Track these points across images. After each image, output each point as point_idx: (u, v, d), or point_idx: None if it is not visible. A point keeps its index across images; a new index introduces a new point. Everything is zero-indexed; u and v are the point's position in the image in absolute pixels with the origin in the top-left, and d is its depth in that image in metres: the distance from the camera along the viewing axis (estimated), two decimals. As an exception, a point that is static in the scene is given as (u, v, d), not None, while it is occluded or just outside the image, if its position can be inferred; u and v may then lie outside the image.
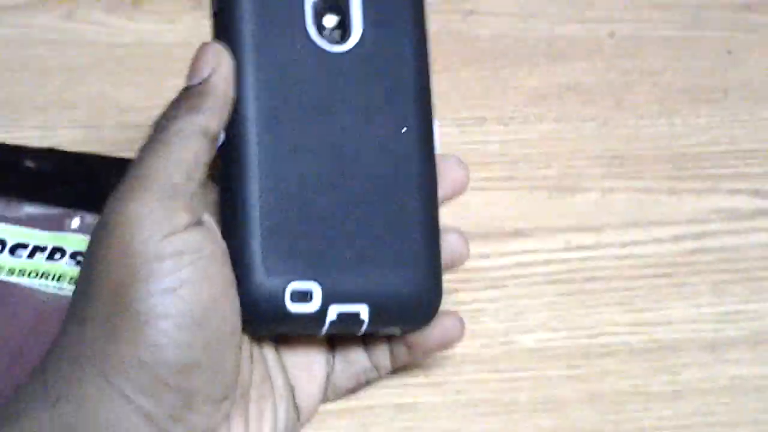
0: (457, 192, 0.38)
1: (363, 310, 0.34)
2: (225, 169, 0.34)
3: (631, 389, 0.41)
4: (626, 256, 0.47)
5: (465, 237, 0.38)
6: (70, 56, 0.55)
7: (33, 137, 0.49)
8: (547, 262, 0.46)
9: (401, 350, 0.37)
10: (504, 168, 0.51)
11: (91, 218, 0.44)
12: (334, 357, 0.37)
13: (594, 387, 0.41)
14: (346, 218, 0.34)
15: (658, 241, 0.48)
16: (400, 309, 0.35)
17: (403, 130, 0.35)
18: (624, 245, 0.47)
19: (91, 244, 0.31)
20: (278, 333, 0.35)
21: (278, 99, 0.34)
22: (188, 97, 0.33)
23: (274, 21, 0.34)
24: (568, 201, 0.49)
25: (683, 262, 0.47)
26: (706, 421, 0.40)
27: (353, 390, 0.38)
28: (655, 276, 0.46)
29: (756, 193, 0.50)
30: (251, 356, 0.34)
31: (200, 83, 0.33)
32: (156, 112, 0.52)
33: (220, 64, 0.33)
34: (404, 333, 0.36)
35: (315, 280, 0.33)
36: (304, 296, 0.33)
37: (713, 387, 0.41)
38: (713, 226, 0.48)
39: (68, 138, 0.49)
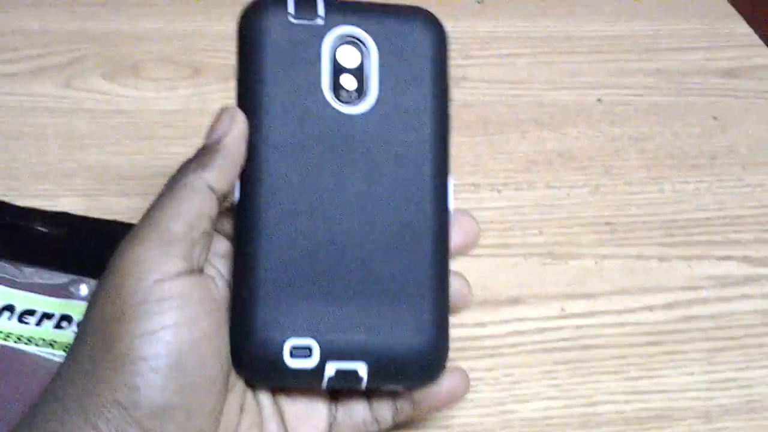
0: (470, 244, 0.38)
1: (361, 368, 0.34)
2: (237, 225, 0.35)
3: (628, 459, 0.42)
4: (620, 324, 0.47)
5: (467, 280, 0.38)
6: (69, 124, 0.56)
7: (35, 206, 0.49)
8: (542, 330, 0.47)
9: (405, 405, 0.38)
10: (498, 235, 0.52)
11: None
12: (336, 407, 0.37)
13: (592, 457, 0.41)
14: (353, 277, 0.35)
15: (650, 308, 0.48)
16: (402, 368, 0.35)
17: (413, 189, 0.36)
18: (618, 313, 0.48)
19: (96, 286, 0.32)
20: (278, 386, 0.36)
21: (291, 160, 0.34)
22: (200, 154, 0.34)
23: (292, 83, 0.35)
24: (562, 268, 0.50)
25: (676, 330, 0.47)
26: (703, 490, 0.41)
27: None
28: (649, 344, 0.47)
29: (746, 259, 0.51)
30: (242, 403, 0.35)
31: (213, 143, 0.34)
32: (157, 180, 0.53)
33: (233, 126, 0.34)
34: (408, 390, 0.37)
35: (313, 337, 0.34)
36: (303, 352, 0.33)
37: (709, 456, 0.42)
38: (704, 293, 0.49)
39: (70, 207, 0.50)
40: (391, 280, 0.35)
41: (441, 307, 0.36)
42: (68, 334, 0.43)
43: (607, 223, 0.53)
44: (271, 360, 0.33)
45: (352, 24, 0.35)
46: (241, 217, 0.35)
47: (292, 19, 0.35)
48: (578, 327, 0.47)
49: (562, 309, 0.48)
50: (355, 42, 0.36)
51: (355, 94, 0.35)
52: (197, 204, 0.33)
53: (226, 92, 0.60)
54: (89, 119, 0.57)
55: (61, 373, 0.31)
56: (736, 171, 0.58)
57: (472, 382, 0.44)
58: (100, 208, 0.50)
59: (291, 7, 0.35)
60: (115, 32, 0.63)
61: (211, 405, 0.32)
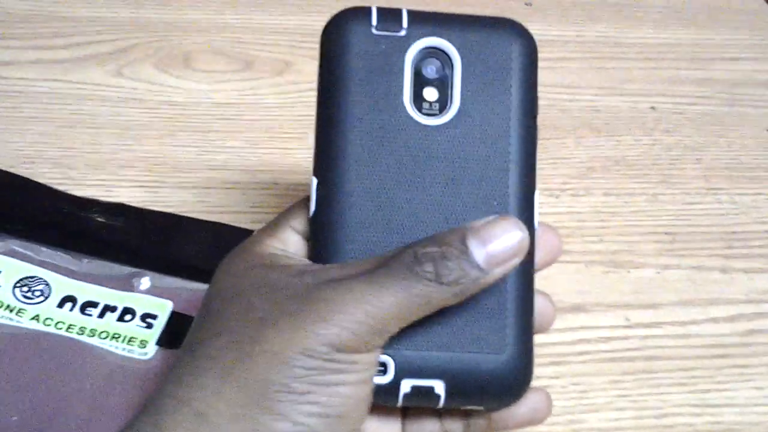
0: (551, 261, 0.37)
1: (438, 386, 0.33)
2: (313, 238, 0.34)
3: (700, 473, 0.41)
4: (685, 335, 0.47)
5: (551, 299, 0.37)
6: (121, 113, 0.55)
7: (92, 196, 0.49)
8: (608, 339, 0.46)
9: (480, 422, 0.37)
10: (558, 241, 0.51)
11: (161, 280, 0.43)
12: (405, 423, 0.37)
13: (664, 470, 0.41)
14: None
15: (714, 320, 0.48)
16: (482, 387, 0.34)
17: (494, 203, 0.35)
18: (682, 324, 0.47)
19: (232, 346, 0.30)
20: None
21: (369, 171, 0.34)
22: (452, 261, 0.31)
23: (374, 95, 0.34)
24: (624, 276, 0.50)
25: (741, 343, 0.47)
26: (775, 507, 0.40)
27: None
28: (715, 356, 0.46)
29: (808, 274, 0.51)
30: None
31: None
32: (213, 174, 0.52)
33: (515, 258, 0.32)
34: (488, 410, 0.36)
35: (388, 353, 0.33)
36: (380, 369, 0.33)
37: (781, 472, 0.41)
38: (766, 307, 0.49)
39: (127, 198, 0.49)
40: (472, 296, 0.34)
41: (525, 325, 0.35)
42: (131, 327, 0.42)
43: (666, 233, 0.53)
44: None
45: (436, 35, 0.34)
46: (318, 229, 0.34)
47: (375, 31, 0.34)
48: (644, 337, 0.47)
49: (627, 319, 0.47)
50: (438, 53, 0.35)
51: (437, 106, 0.34)
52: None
53: (279, 87, 0.60)
54: (142, 109, 0.56)
55: (192, 383, 0.30)
56: (792, 184, 0.57)
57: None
58: (157, 200, 0.50)
59: (374, 19, 0.34)
60: (165, 22, 0.63)
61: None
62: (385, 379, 0.33)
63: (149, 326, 0.42)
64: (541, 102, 0.61)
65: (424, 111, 0.34)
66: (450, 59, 0.35)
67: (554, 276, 0.49)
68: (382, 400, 0.34)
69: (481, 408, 0.35)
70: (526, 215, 0.35)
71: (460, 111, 0.35)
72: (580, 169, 0.56)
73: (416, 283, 0.30)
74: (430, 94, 0.35)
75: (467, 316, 0.34)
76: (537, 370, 0.44)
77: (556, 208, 0.54)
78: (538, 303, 0.36)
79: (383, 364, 0.33)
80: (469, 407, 0.35)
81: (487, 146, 0.35)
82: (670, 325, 0.47)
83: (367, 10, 0.34)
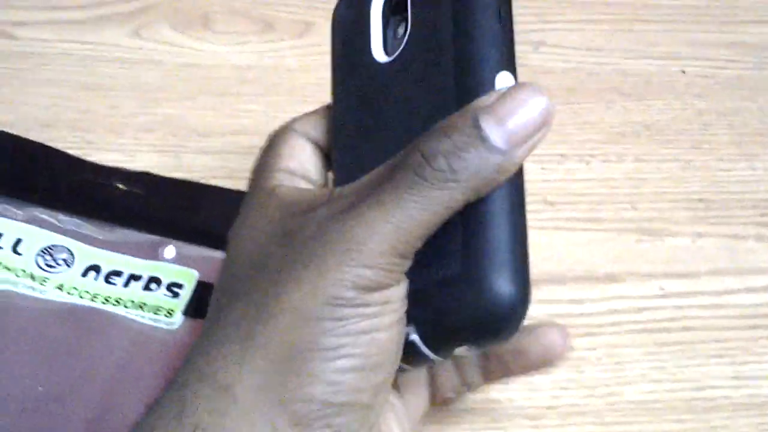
0: (549, 361, 0.36)
1: (410, 332, 0.29)
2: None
3: (740, 446, 0.40)
4: (721, 305, 0.46)
5: (566, 332, 0.35)
6: (140, 76, 0.54)
7: (113, 161, 0.47)
8: (642, 310, 0.45)
9: (496, 367, 0.35)
10: (589, 208, 0.50)
11: (187, 249, 0.42)
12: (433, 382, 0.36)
13: (703, 443, 0.40)
14: None
15: (751, 290, 0.47)
16: (462, 327, 0.29)
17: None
18: (719, 294, 0.46)
19: (281, 263, 0.28)
20: None
21: (347, 114, 0.33)
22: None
23: (351, 42, 0.34)
24: (658, 245, 0.48)
25: (778, 313, 0.46)
26: (816, 481, 0.40)
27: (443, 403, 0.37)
28: (752, 327, 0.45)
29: None
30: None
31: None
32: (235, 138, 0.51)
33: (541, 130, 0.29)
34: (480, 349, 0.31)
35: None
36: None
37: (823, 445, 0.41)
38: (805, 276, 0.48)
39: (148, 163, 0.48)
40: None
41: (511, 244, 0.29)
42: (157, 296, 0.41)
43: (700, 200, 0.51)
44: None
45: None
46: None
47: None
48: (679, 307, 0.46)
49: (662, 288, 0.46)
50: None
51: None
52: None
53: (300, 49, 0.58)
54: (161, 72, 0.54)
55: (215, 353, 0.28)
56: (827, 150, 0.56)
57: (575, 362, 0.42)
58: (180, 165, 0.49)
59: None
60: (182, -19, 0.61)
61: (384, 401, 0.30)
62: None
63: (176, 295, 0.41)
64: (566, 65, 0.60)
65: (389, 52, 0.33)
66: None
67: (585, 244, 0.48)
68: None
69: (475, 349, 0.30)
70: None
71: (410, 35, 0.32)
72: (610, 135, 0.55)
73: (430, 189, 0.27)
74: (397, 34, 0.34)
75: (431, 252, 0.28)
76: (572, 342, 0.43)
77: (587, 174, 0.52)
78: (548, 337, 0.34)
79: None
80: (461, 351, 0.30)
81: (437, 42, 0.31)
82: (705, 294, 0.46)
83: None
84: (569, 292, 0.46)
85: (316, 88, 0.55)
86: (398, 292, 0.28)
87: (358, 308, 0.27)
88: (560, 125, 0.55)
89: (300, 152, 0.33)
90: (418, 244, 0.28)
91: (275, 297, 0.27)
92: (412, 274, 0.29)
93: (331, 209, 0.28)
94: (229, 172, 0.48)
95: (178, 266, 0.42)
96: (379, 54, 0.33)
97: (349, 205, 0.28)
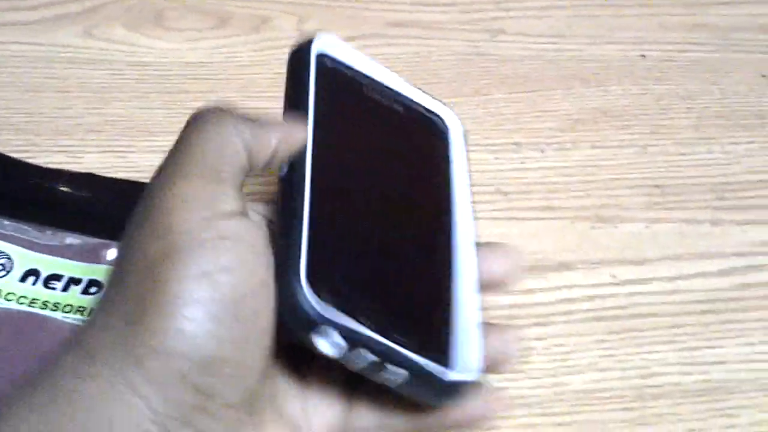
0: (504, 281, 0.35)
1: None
2: (283, 199, 0.31)
3: (688, 433, 0.40)
4: (673, 291, 0.45)
5: (518, 335, 0.34)
6: (91, 76, 0.53)
7: (58, 163, 0.47)
8: (593, 298, 0.45)
9: (420, 417, 0.33)
10: (543, 197, 0.50)
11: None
12: (350, 408, 0.33)
13: (651, 431, 0.40)
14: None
15: (704, 275, 0.46)
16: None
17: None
18: (670, 279, 0.46)
19: (129, 227, 0.28)
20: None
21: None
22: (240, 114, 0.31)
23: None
24: (611, 232, 0.48)
25: (731, 297, 0.45)
26: (766, 466, 0.39)
27: None
28: (704, 312, 0.45)
29: (802, 224, 0.49)
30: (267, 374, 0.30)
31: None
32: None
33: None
34: (427, 403, 0.32)
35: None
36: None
37: (772, 431, 0.40)
38: (761, 259, 0.47)
39: (95, 163, 0.47)
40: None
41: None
42: (96, 300, 0.40)
43: (656, 186, 0.51)
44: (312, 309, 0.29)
45: None
46: (288, 190, 0.31)
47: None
48: (630, 294, 0.45)
49: (613, 275, 0.46)
50: None
51: None
52: (237, 145, 0.30)
53: (254, 44, 0.58)
54: (112, 71, 0.54)
55: (90, 324, 0.27)
56: (787, 131, 0.55)
57: (522, 352, 0.42)
58: (127, 165, 0.48)
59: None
60: (136, -21, 0.61)
61: (260, 362, 0.28)
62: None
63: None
64: (525, 53, 0.59)
65: None
66: None
67: (539, 234, 0.48)
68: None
69: (420, 400, 0.32)
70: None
71: None
72: (567, 122, 0.55)
73: None
74: None
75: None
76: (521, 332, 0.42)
77: (542, 163, 0.52)
78: (502, 339, 0.33)
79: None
80: (410, 392, 0.31)
81: None
82: (658, 281, 0.46)
83: None
84: (521, 283, 0.45)
85: (270, 82, 0.55)
86: (244, 225, 0.28)
87: (202, 245, 0.27)
88: (516, 114, 0.55)
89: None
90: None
91: (128, 250, 0.28)
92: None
93: None
94: (178, 171, 0.48)
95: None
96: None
97: None
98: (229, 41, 0.57)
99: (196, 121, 0.30)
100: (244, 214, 0.29)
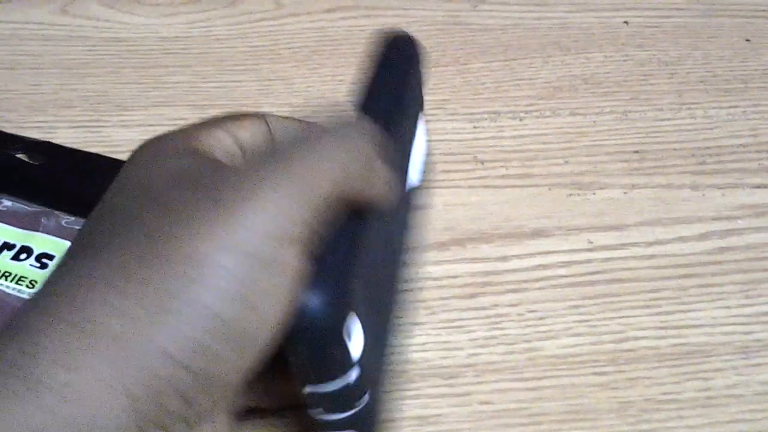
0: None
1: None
2: None
3: (662, 396, 0.39)
4: (651, 256, 0.45)
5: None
6: (66, 52, 0.53)
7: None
8: (569, 264, 0.44)
9: None
10: (521, 165, 0.49)
11: (71, 221, 0.41)
12: None
13: (623, 395, 0.39)
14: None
15: (683, 239, 0.46)
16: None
17: None
18: (648, 244, 0.45)
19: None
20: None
21: None
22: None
23: None
24: (589, 198, 0.47)
25: (710, 261, 0.45)
26: (740, 429, 0.39)
27: None
28: (682, 276, 0.44)
29: (783, 187, 0.48)
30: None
31: None
32: (158, 111, 0.50)
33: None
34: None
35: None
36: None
37: (747, 393, 0.40)
38: (740, 223, 0.47)
39: (68, 139, 0.47)
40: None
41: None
42: (24, 266, 0.40)
43: (635, 151, 0.50)
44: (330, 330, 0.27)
45: None
46: None
47: None
48: (607, 260, 0.45)
49: (590, 241, 0.45)
50: None
51: None
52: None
53: (231, 18, 0.57)
54: (87, 47, 0.54)
55: (92, 301, 0.23)
56: (771, 95, 0.54)
57: (496, 318, 0.42)
58: (100, 140, 0.48)
59: None
60: (113, -44, 0.60)
61: (254, 361, 0.25)
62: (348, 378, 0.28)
63: (44, 266, 0.40)
64: (506, 22, 0.59)
65: None
66: None
67: (515, 201, 0.47)
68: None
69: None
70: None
71: None
72: (546, 90, 0.54)
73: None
74: None
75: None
76: (493, 298, 0.42)
77: (520, 131, 0.51)
78: None
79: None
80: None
81: None
82: (634, 246, 0.45)
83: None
84: (496, 250, 0.45)
85: (246, 56, 0.54)
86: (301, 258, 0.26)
87: (270, 266, 0.24)
88: (496, 83, 0.54)
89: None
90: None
91: (169, 238, 0.24)
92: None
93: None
94: (151, 145, 0.48)
95: (53, 237, 0.41)
96: None
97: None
98: (205, 15, 0.57)
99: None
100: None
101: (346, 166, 0.27)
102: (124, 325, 0.23)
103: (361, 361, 0.29)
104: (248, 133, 0.30)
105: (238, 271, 0.24)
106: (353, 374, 0.28)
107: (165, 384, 0.23)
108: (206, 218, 0.24)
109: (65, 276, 0.25)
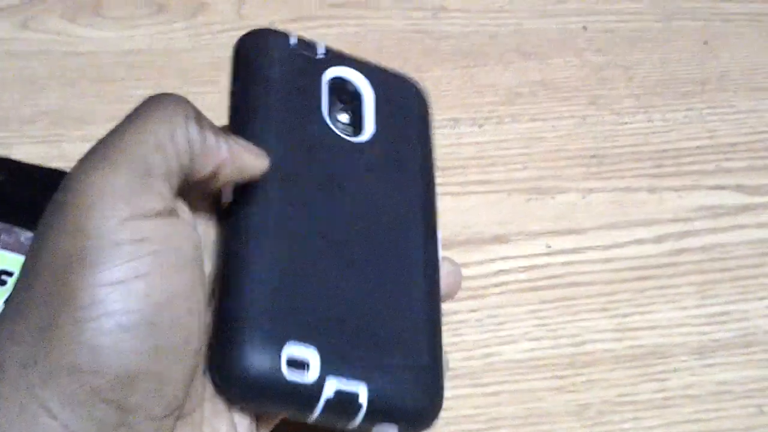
0: (453, 292, 0.35)
1: (363, 392, 0.29)
2: (229, 228, 0.30)
3: (619, 398, 0.40)
4: (609, 259, 0.45)
5: (458, 268, 0.35)
6: (26, 67, 0.53)
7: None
8: (528, 269, 0.45)
9: None
10: (480, 171, 0.50)
11: (25, 236, 0.41)
12: None
13: (581, 397, 0.40)
14: (350, 299, 0.31)
15: (640, 242, 0.46)
16: (402, 403, 0.30)
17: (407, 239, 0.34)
18: (606, 248, 0.46)
19: (41, 225, 0.26)
20: (264, 409, 0.30)
21: (293, 172, 0.32)
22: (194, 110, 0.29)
23: (293, 106, 0.33)
24: (548, 203, 0.48)
25: (667, 263, 0.46)
26: (697, 429, 0.39)
27: None
28: (639, 279, 0.45)
29: (739, 188, 0.49)
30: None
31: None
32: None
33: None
34: None
35: (315, 346, 0.29)
36: (300, 365, 0.28)
37: (702, 393, 0.40)
38: (697, 225, 0.47)
39: (27, 154, 0.47)
40: (387, 310, 0.31)
41: (438, 350, 0.32)
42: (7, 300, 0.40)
43: (593, 156, 0.51)
44: (265, 370, 0.28)
45: (351, 66, 0.35)
46: (235, 220, 0.30)
47: (293, 48, 0.34)
48: (565, 264, 0.45)
49: (548, 246, 0.46)
50: (350, 83, 0.35)
51: (351, 129, 0.34)
52: (180, 140, 0.27)
53: (193, 29, 0.58)
54: (48, 62, 0.54)
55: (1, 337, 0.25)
56: (727, 97, 0.55)
57: (455, 326, 0.42)
58: (59, 155, 0.48)
59: (293, 40, 0.34)
60: (74, -30, 0.60)
61: (184, 371, 0.26)
62: (309, 377, 0.28)
63: (3, 283, 0.40)
64: (466, 29, 0.59)
65: (339, 129, 0.34)
66: (362, 90, 0.35)
67: (475, 207, 0.48)
68: (297, 406, 0.29)
69: (395, 429, 0.31)
70: (432, 252, 0.34)
71: (374, 135, 0.34)
72: (506, 96, 0.54)
73: None
74: (345, 116, 0.34)
75: (381, 329, 0.31)
76: (453, 306, 0.43)
77: (479, 138, 0.52)
78: (444, 269, 0.34)
79: (305, 362, 0.28)
80: (383, 427, 0.30)
81: (399, 175, 0.34)
82: (592, 249, 0.46)
83: (284, 33, 0.34)
84: (455, 257, 0.45)
85: (209, 67, 0.55)
86: (169, 226, 0.26)
87: (117, 248, 0.25)
88: (456, 90, 0.55)
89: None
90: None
91: (38, 248, 0.25)
92: (371, 347, 0.30)
93: None
94: (112, 158, 0.48)
95: (13, 253, 0.41)
96: (333, 127, 0.33)
97: None
98: (167, 27, 0.57)
99: (148, 104, 0.28)
100: (172, 213, 0.27)
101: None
102: (23, 352, 0.24)
103: (327, 368, 0.29)
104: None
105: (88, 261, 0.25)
106: (328, 389, 0.29)
107: (98, 412, 0.24)
108: (61, 215, 0.25)
109: None
